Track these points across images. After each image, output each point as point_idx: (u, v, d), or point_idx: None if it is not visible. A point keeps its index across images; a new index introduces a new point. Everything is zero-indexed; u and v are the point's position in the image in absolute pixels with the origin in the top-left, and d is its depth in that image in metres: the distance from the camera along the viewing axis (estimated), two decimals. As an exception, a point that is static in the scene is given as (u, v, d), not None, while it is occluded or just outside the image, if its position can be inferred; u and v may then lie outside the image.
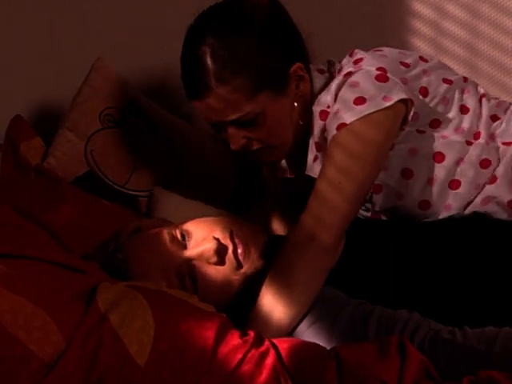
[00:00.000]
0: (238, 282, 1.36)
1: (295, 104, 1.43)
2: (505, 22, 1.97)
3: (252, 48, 1.38)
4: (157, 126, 1.86)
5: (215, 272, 1.35)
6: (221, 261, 1.35)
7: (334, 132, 1.35)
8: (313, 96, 1.46)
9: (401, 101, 1.35)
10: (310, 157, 1.47)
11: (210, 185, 1.87)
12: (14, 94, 2.00)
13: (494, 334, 1.20)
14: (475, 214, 1.46)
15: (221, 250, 1.34)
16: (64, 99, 1.90)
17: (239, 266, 1.36)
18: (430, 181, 1.45)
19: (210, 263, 1.35)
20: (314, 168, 1.47)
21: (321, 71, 1.50)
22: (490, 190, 1.46)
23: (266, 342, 1.19)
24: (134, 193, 1.79)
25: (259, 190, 1.82)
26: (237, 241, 1.36)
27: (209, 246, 1.34)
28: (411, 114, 1.38)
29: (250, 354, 1.15)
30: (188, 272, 1.35)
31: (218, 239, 1.35)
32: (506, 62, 1.99)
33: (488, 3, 1.96)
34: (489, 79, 1.98)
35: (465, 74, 1.59)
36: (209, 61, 1.37)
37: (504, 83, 2.00)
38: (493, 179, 1.46)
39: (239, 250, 1.36)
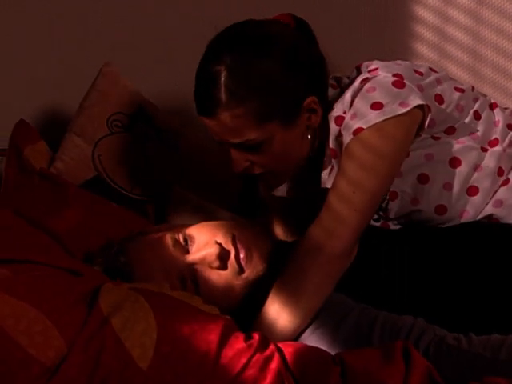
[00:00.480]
0: (240, 287, 1.36)
1: (308, 136, 1.43)
2: (508, 27, 1.96)
3: (269, 75, 1.35)
4: (163, 130, 1.86)
5: (217, 276, 1.35)
6: (223, 265, 1.35)
7: (350, 137, 1.34)
8: (327, 106, 1.44)
9: (418, 107, 1.34)
10: (325, 172, 1.46)
11: (216, 190, 1.87)
12: (19, 98, 2.01)
13: (499, 342, 1.19)
14: (484, 220, 1.46)
15: (223, 255, 1.34)
16: (68, 103, 1.90)
17: (241, 270, 1.35)
18: (446, 185, 1.44)
19: (212, 268, 1.34)
20: (329, 181, 1.45)
21: (333, 86, 1.48)
22: (502, 193, 1.46)
23: (271, 346, 1.18)
24: (140, 198, 1.80)
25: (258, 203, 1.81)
26: (239, 245, 1.36)
27: (211, 251, 1.34)
28: (428, 120, 1.37)
29: (254, 358, 1.14)
30: (190, 276, 1.35)
31: (220, 244, 1.35)
32: (510, 67, 1.99)
33: (491, 8, 1.95)
34: (492, 85, 1.98)
35: (468, 80, 1.60)
36: (220, 83, 1.34)
37: (507, 88, 2.00)
38: (505, 182, 1.46)
39: (241, 255, 1.35)
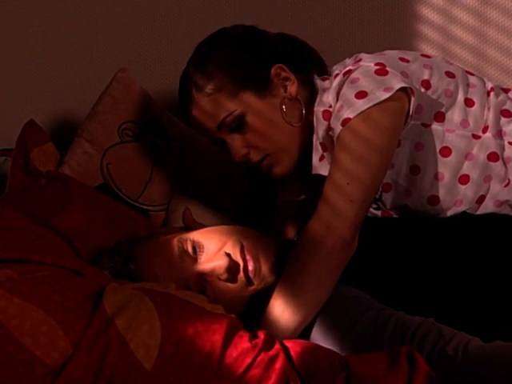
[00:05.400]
0: (247, 298, 1.36)
1: (283, 107, 1.45)
2: (513, 27, 1.97)
3: (228, 53, 1.46)
4: (172, 138, 1.84)
5: (225, 288, 1.35)
6: (232, 278, 1.34)
7: (340, 128, 1.35)
8: (315, 98, 1.48)
9: (402, 90, 1.34)
10: (315, 157, 1.47)
11: (220, 201, 1.85)
12: (30, 99, 2.02)
13: (492, 354, 1.17)
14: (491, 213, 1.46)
15: (232, 267, 1.34)
16: (80, 106, 1.90)
17: (249, 283, 1.35)
18: (437, 175, 1.44)
19: (220, 280, 1.34)
20: (320, 168, 1.46)
21: (324, 79, 1.52)
22: (502, 193, 1.45)
23: (277, 346, 1.18)
24: (146, 207, 1.80)
25: (266, 210, 1.80)
26: (247, 257, 1.36)
27: (220, 263, 1.34)
28: (414, 104, 1.37)
29: (259, 358, 1.14)
30: (198, 286, 1.35)
31: (229, 255, 1.34)
32: (515, 66, 1.99)
33: (496, 8, 1.95)
34: (497, 84, 1.97)
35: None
36: (189, 76, 1.48)
37: (512, 88, 1.99)
38: (507, 183, 1.45)
39: (250, 268, 1.35)
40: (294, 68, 1.49)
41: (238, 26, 1.53)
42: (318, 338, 1.32)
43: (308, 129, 1.48)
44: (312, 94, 1.49)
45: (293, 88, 1.47)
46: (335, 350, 1.26)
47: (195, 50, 1.52)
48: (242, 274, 1.35)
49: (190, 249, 1.37)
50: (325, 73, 1.54)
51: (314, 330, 1.32)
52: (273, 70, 1.46)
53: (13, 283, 1.15)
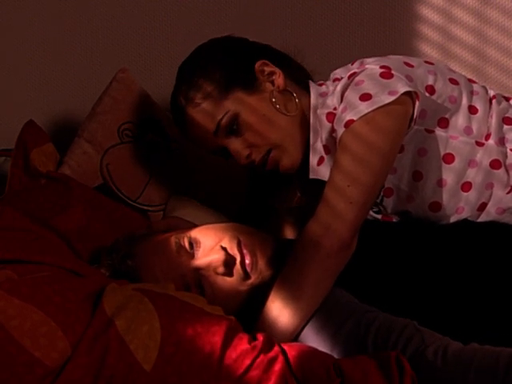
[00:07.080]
0: (245, 293, 1.36)
1: (273, 99, 1.46)
2: (513, 27, 1.96)
3: (211, 60, 1.50)
4: (172, 139, 1.84)
5: (222, 282, 1.35)
6: (228, 272, 1.35)
7: (343, 129, 1.35)
8: (308, 93, 1.50)
9: (406, 94, 1.34)
10: (313, 160, 1.47)
11: (220, 202, 1.85)
12: (30, 99, 2.02)
13: (469, 359, 1.16)
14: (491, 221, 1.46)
15: (229, 261, 1.34)
16: (80, 106, 1.90)
17: (247, 277, 1.36)
18: (440, 182, 1.44)
19: (217, 274, 1.34)
20: (319, 171, 1.46)
21: (320, 84, 1.52)
22: (505, 200, 1.45)
23: (276, 348, 1.18)
24: (145, 208, 1.79)
25: (267, 212, 1.81)
26: (244, 251, 1.36)
27: (217, 257, 1.34)
28: (418, 109, 1.37)
29: (258, 360, 1.14)
30: (195, 281, 1.35)
31: (225, 249, 1.35)
32: (515, 67, 1.99)
33: (496, 8, 1.95)
34: (497, 84, 1.98)
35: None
36: (181, 87, 1.51)
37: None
38: (509, 190, 1.44)
39: (247, 261, 1.35)
40: (278, 62, 1.51)
41: (213, 38, 1.57)
42: (309, 336, 1.32)
43: (307, 120, 1.48)
44: (305, 89, 1.51)
45: (280, 80, 1.49)
46: (324, 349, 1.26)
47: (179, 68, 1.55)
48: (238, 267, 1.35)
49: (186, 244, 1.38)
50: (308, 78, 1.56)
51: (306, 328, 1.32)
52: (256, 66, 1.49)
53: (12, 284, 1.15)
